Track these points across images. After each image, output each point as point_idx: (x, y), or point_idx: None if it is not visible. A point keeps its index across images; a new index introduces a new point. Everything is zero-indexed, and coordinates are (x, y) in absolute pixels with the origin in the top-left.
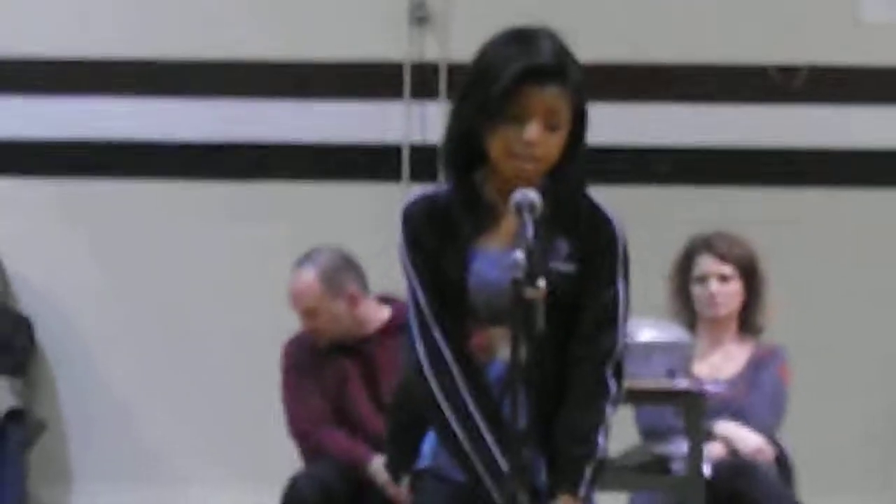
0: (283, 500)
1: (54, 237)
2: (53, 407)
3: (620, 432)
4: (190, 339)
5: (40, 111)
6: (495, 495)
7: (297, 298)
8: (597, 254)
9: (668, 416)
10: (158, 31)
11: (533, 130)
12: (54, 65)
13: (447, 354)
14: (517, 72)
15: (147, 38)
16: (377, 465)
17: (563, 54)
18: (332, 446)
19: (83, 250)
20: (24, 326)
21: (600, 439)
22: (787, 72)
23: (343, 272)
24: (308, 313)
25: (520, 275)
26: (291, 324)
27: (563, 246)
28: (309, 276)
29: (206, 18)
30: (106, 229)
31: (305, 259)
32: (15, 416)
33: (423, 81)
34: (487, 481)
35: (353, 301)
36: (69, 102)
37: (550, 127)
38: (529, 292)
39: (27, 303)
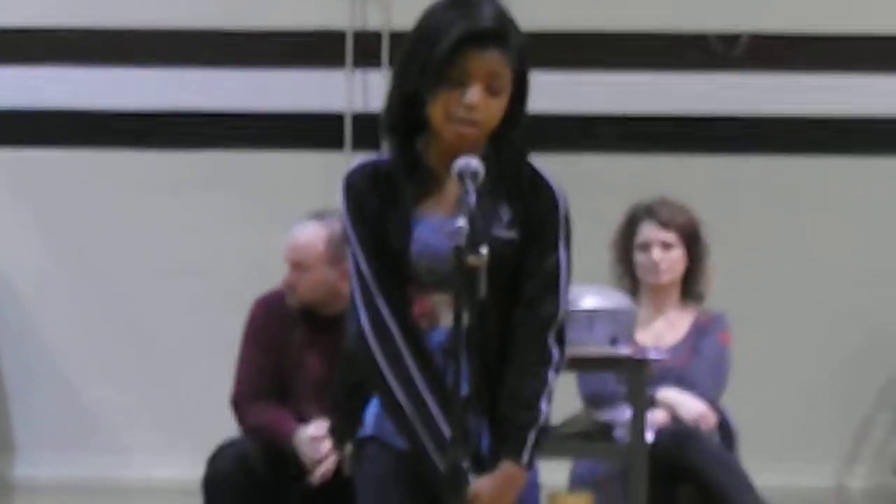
0: (205, 472)
1: None
2: None
3: (563, 399)
4: (133, 308)
5: None
6: (438, 462)
7: (295, 248)
8: (538, 220)
9: (611, 383)
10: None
11: (474, 94)
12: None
13: (390, 322)
14: (458, 35)
15: (92, 6)
16: (301, 435)
17: (504, 19)
18: (261, 422)
19: (27, 219)
20: None
21: (543, 405)
22: (728, 39)
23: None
24: (298, 266)
25: (462, 242)
26: (238, 293)
27: (505, 212)
28: (317, 232)
29: None
30: (50, 199)
31: (319, 216)
32: None
33: (366, 50)
34: (430, 448)
35: (342, 277)
36: (12, 71)
37: (491, 91)
38: (472, 259)
39: None
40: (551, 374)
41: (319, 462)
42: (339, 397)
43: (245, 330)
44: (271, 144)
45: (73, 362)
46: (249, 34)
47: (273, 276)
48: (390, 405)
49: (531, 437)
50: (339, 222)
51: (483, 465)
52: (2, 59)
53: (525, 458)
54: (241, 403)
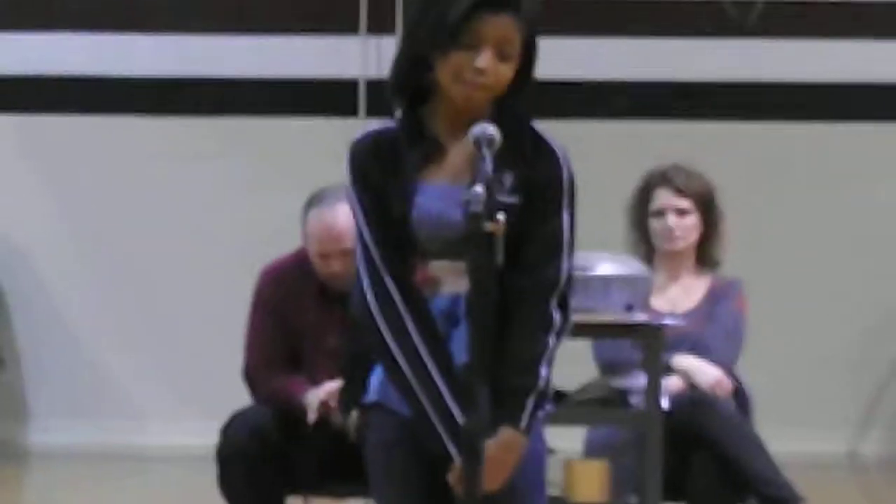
0: (218, 442)
1: (10, 174)
2: (10, 344)
3: (578, 366)
4: (147, 275)
5: None
6: (440, 428)
7: (337, 237)
8: (541, 185)
9: (627, 349)
10: None
11: (485, 58)
12: (8, 1)
13: (392, 289)
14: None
15: None
16: (309, 397)
17: None
18: (275, 389)
19: (39, 187)
20: None
21: (543, 370)
22: (743, 6)
23: None
24: (344, 253)
25: (479, 209)
26: (252, 259)
27: (508, 177)
28: (349, 212)
29: None
30: (63, 165)
31: (331, 197)
32: None
33: (380, 16)
34: (433, 414)
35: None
36: (25, 38)
37: (502, 56)
38: (489, 226)
39: None
40: (552, 339)
41: (318, 403)
42: (345, 364)
43: (253, 300)
44: (286, 111)
45: (87, 329)
46: (265, 1)
47: (288, 242)
48: (393, 372)
49: (530, 402)
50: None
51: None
52: (16, 27)
53: (523, 422)
54: (253, 374)
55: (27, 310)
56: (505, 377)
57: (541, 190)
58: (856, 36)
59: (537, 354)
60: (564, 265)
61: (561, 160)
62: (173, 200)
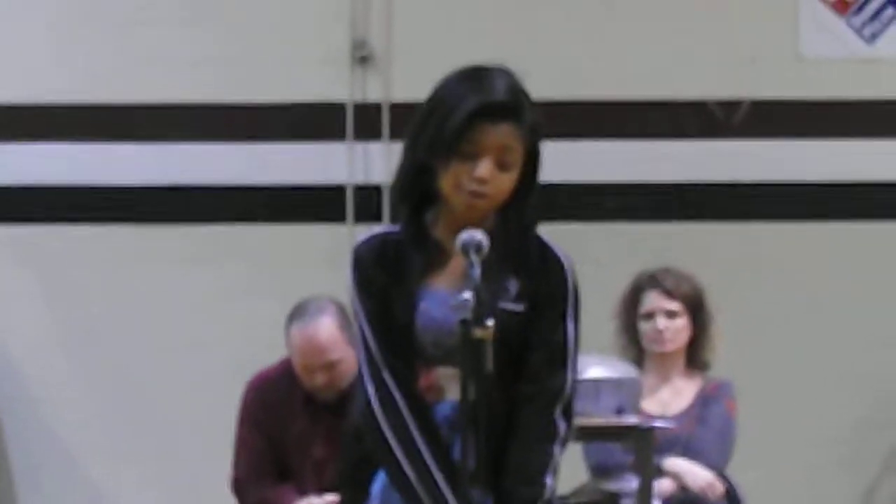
0: None
1: (3, 282)
2: (2, 453)
3: (570, 469)
4: (139, 385)
5: None
6: None
7: (320, 351)
8: (547, 294)
9: (618, 452)
10: (106, 76)
11: (484, 168)
12: (2, 111)
13: (396, 395)
14: (470, 109)
15: (95, 82)
16: None
17: (518, 93)
18: (264, 500)
19: (32, 295)
20: None
21: (548, 480)
22: (729, 106)
23: (349, 317)
24: (329, 367)
25: (468, 315)
26: (244, 367)
27: (512, 285)
28: (331, 325)
29: (150, 62)
30: (56, 274)
31: (313, 309)
32: None
33: (366, 122)
34: None
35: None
36: (19, 148)
37: (502, 165)
38: (478, 332)
39: None
40: (557, 449)
41: None
42: (346, 470)
43: (240, 412)
44: (273, 217)
45: (78, 438)
46: (250, 108)
47: (277, 350)
48: (397, 478)
49: None
50: (327, 303)
51: None
52: (10, 137)
53: None
54: (241, 486)
55: (19, 420)
56: (511, 487)
57: (546, 299)
58: (844, 135)
59: (543, 465)
60: (569, 374)
61: (566, 269)
62: (166, 310)
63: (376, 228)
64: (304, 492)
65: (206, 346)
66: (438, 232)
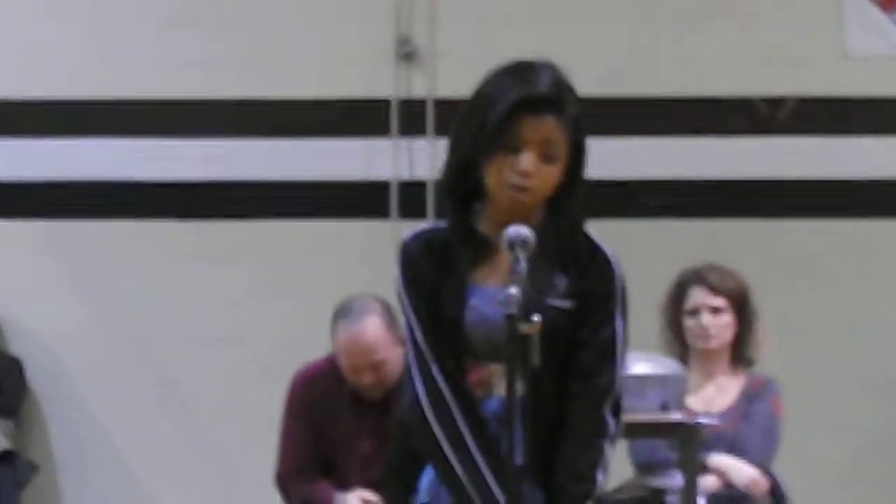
0: None
1: (42, 278)
2: (45, 448)
3: (615, 466)
4: (180, 377)
5: (24, 153)
6: None
7: (368, 351)
8: (595, 291)
9: (663, 449)
10: (141, 71)
11: (527, 160)
12: (36, 106)
13: (445, 390)
14: (513, 101)
15: (132, 78)
16: (337, 500)
17: (561, 86)
18: (309, 497)
19: (71, 290)
20: (14, 368)
21: (599, 476)
22: (774, 103)
23: (395, 315)
24: (375, 366)
25: (514, 310)
26: (284, 364)
27: (561, 282)
28: (377, 325)
29: (191, 58)
30: (93, 269)
31: (359, 308)
32: (7, 457)
33: (411, 118)
34: None
35: (404, 346)
36: (53, 144)
37: (546, 158)
38: (524, 328)
39: (17, 344)
40: (607, 445)
41: None
42: (394, 465)
43: (286, 405)
44: (317, 214)
45: (122, 432)
46: (295, 103)
47: (317, 346)
48: (445, 473)
49: None
50: (373, 301)
51: None
52: (44, 132)
53: None
54: (286, 480)
55: (62, 413)
56: (562, 483)
57: (595, 297)
58: (890, 133)
59: (593, 461)
60: (618, 371)
61: (614, 266)
62: (206, 304)
63: (423, 225)
64: (348, 488)
65: (247, 341)
66: (485, 228)
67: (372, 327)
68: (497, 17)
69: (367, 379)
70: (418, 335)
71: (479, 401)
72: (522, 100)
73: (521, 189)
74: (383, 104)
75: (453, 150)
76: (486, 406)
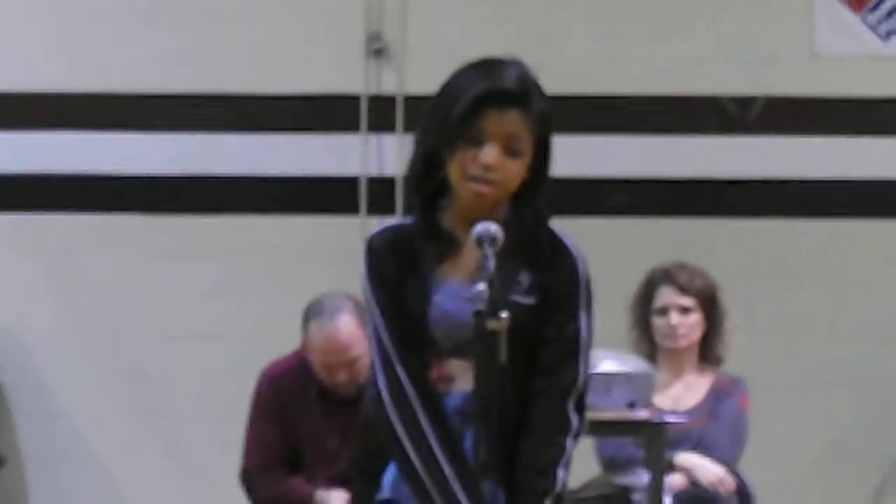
0: None
1: (11, 272)
2: (13, 441)
3: (581, 463)
4: (149, 373)
5: None
6: None
7: (342, 349)
8: (559, 287)
9: (629, 447)
10: (114, 64)
11: (490, 153)
12: (7, 99)
13: (407, 386)
14: (477, 94)
15: (103, 71)
16: (320, 498)
17: (527, 82)
18: (275, 492)
19: (41, 285)
20: None
21: (560, 472)
22: (743, 103)
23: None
24: (350, 364)
25: (482, 307)
26: (255, 359)
27: (524, 278)
28: (350, 323)
29: (163, 52)
30: (63, 263)
31: (331, 307)
32: None
33: (381, 114)
34: None
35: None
36: (24, 137)
37: (510, 152)
38: (491, 324)
39: None
40: (569, 442)
41: None
42: (359, 461)
43: (253, 402)
44: (286, 209)
45: (90, 427)
46: (264, 98)
47: (287, 342)
48: (406, 469)
49: None
50: (344, 299)
51: None
52: (16, 125)
53: None
54: (252, 477)
55: (29, 408)
56: (522, 480)
57: (558, 293)
58: (858, 133)
59: (555, 457)
60: (582, 368)
61: (578, 262)
62: (175, 300)
63: (389, 220)
64: (314, 484)
65: (218, 337)
66: (449, 223)
67: (345, 325)
68: (467, 14)
69: (341, 377)
70: (382, 331)
71: (441, 397)
72: (487, 94)
73: (484, 182)
74: (353, 100)
75: (418, 144)
76: (447, 402)
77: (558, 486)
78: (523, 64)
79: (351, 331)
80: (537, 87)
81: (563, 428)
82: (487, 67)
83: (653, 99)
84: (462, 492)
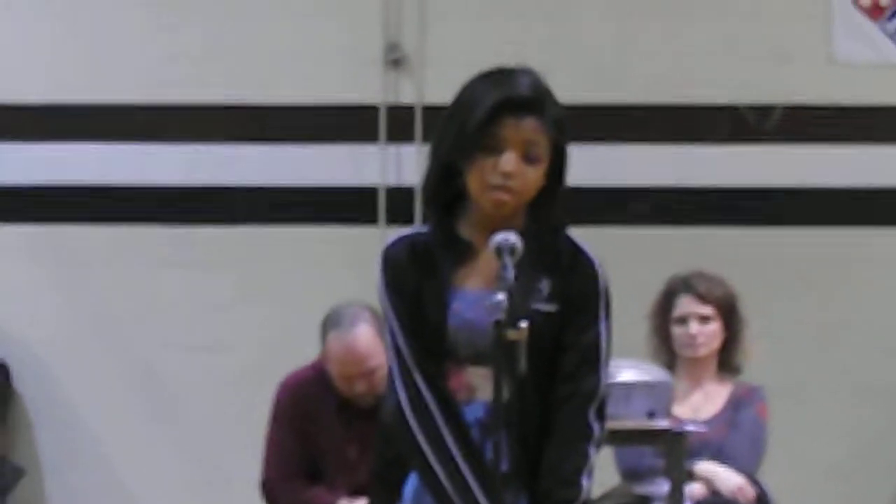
0: None
1: (28, 283)
2: (31, 453)
3: (601, 473)
4: (165, 382)
5: (9, 158)
6: None
7: (360, 360)
8: (579, 295)
9: (649, 456)
10: (129, 75)
11: (509, 161)
12: (22, 111)
13: (427, 396)
14: (493, 103)
15: (120, 83)
16: None
17: (540, 89)
18: (296, 502)
19: (57, 295)
20: (0, 372)
21: (584, 481)
22: (761, 111)
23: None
24: (369, 374)
25: (502, 316)
26: (272, 369)
27: (544, 286)
28: (369, 333)
29: (181, 62)
30: (79, 274)
31: (349, 317)
32: None
33: (399, 124)
34: None
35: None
36: (39, 148)
37: (528, 159)
38: (511, 334)
39: (3, 348)
40: (592, 450)
41: None
42: (378, 471)
43: (272, 413)
44: (305, 219)
45: (108, 437)
46: (283, 109)
47: (303, 353)
48: (429, 479)
49: None
50: (361, 309)
51: None
52: (30, 137)
53: None
54: (272, 487)
55: (48, 418)
56: (547, 488)
57: (578, 300)
58: (876, 141)
59: (579, 466)
60: (602, 375)
61: (597, 269)
62: (193, 310)
63: (405, 230)
64: (336, 494)
65: (234, 347)
66: (467, 232)
67: (364, 336)
68: (484, 23)
69: (360, 387)
70: (400, 340)
71: (460, 406)
72: (502, 102)
73: (504, 189)
74: (372, 110)
75: (435, 154)
76: (467, 411)
77: (583, 495)
78: (534, 72)
79: (369, 341)
80: (550, 95)
81: (585, 436)
82: (500, 76)
83: (671, 108)
84: (486, 500)
